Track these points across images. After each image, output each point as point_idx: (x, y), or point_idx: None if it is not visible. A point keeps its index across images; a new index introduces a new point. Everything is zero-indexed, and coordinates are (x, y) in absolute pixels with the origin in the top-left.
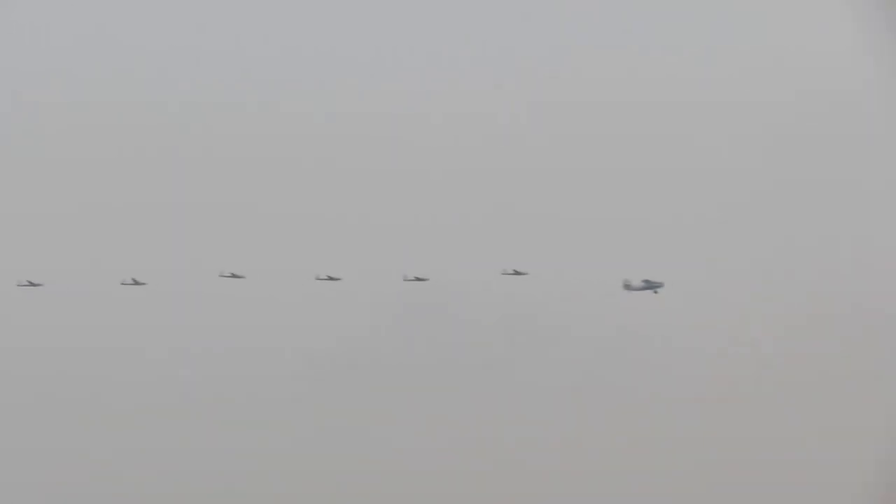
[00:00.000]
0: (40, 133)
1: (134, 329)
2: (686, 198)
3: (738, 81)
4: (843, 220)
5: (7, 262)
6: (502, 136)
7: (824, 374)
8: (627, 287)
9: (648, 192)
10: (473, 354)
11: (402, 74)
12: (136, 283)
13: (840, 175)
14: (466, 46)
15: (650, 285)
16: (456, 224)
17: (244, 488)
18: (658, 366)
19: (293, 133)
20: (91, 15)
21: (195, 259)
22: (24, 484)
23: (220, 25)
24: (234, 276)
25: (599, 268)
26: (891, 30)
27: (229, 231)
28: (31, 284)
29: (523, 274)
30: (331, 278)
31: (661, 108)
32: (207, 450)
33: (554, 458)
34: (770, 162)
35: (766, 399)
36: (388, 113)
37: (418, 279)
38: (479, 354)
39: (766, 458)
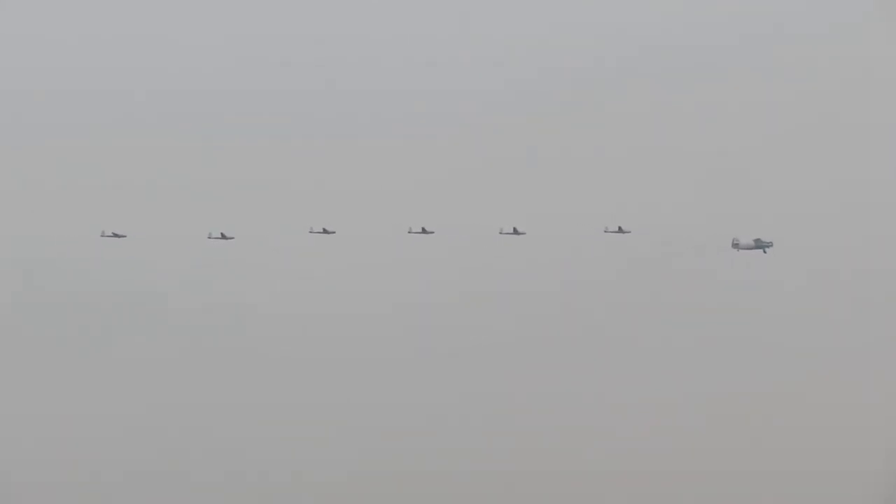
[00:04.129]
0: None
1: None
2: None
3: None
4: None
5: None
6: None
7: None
8: (736, 246)
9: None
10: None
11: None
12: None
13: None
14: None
15: (760, 244)
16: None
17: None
18: (658, 364)
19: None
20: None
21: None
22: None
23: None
24: (325, 231)
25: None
26: None
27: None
28: (116, 236)
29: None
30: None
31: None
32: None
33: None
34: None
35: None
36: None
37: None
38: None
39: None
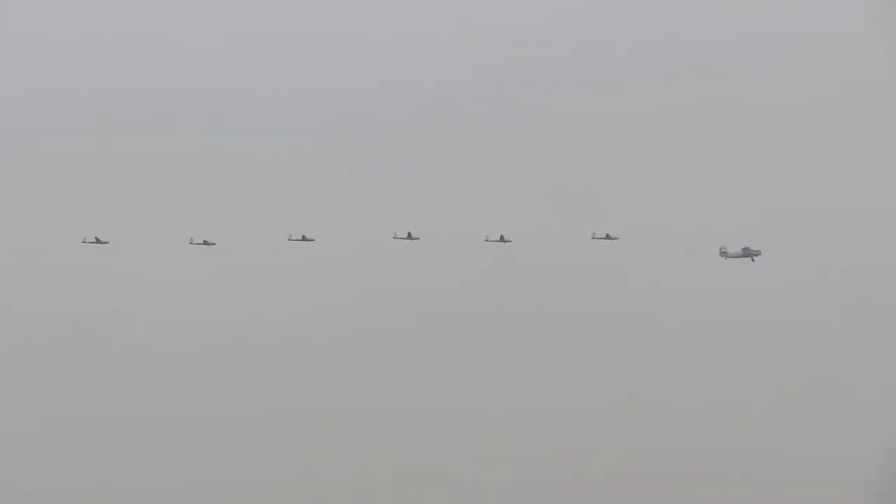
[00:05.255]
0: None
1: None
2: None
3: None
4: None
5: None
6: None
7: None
8: (724, 254)
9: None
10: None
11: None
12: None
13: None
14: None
15: (748, 253)
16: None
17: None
18: (656, 364)
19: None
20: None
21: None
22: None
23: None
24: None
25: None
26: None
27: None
28: (98, 242)
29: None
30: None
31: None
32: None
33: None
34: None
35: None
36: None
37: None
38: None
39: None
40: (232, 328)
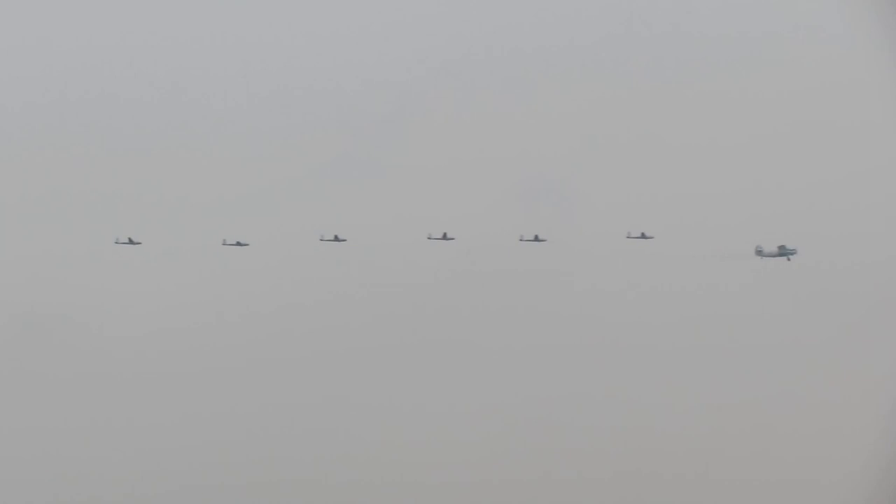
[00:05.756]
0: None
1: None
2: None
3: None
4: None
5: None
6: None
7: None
8: (759, 253)
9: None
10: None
11: None
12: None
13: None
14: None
15: (783, 252)
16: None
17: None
18: (656, 362)
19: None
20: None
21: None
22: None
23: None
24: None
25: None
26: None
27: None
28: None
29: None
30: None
31: None
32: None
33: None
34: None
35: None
36: None
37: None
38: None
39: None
40: (200, 329)
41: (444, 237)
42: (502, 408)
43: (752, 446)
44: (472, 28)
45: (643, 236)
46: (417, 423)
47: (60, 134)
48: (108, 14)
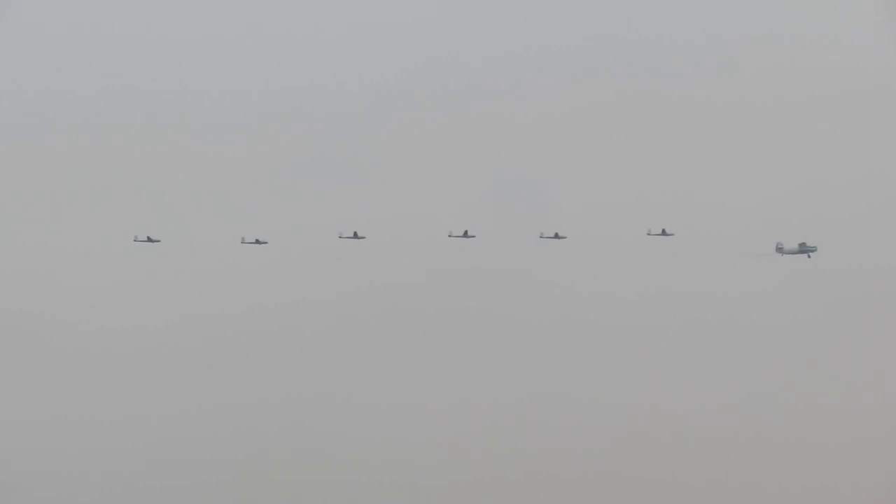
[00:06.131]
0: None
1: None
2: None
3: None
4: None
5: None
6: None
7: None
8: (780, 250)
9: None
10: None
11: None
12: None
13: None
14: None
15: (804, 249)
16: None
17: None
18: (658, 362)
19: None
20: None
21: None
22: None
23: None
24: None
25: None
26: None
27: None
28: (150, 240)
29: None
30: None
31: None
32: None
33: None
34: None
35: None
36: None
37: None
38: None
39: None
40: (171, 328)
41: (466, 235)
42: (512, 407)
43: (770, 448)
44: (471, 27)
45: (664, 233)
46: (416, 422)
47: (70, 129)
48: (123, 11)
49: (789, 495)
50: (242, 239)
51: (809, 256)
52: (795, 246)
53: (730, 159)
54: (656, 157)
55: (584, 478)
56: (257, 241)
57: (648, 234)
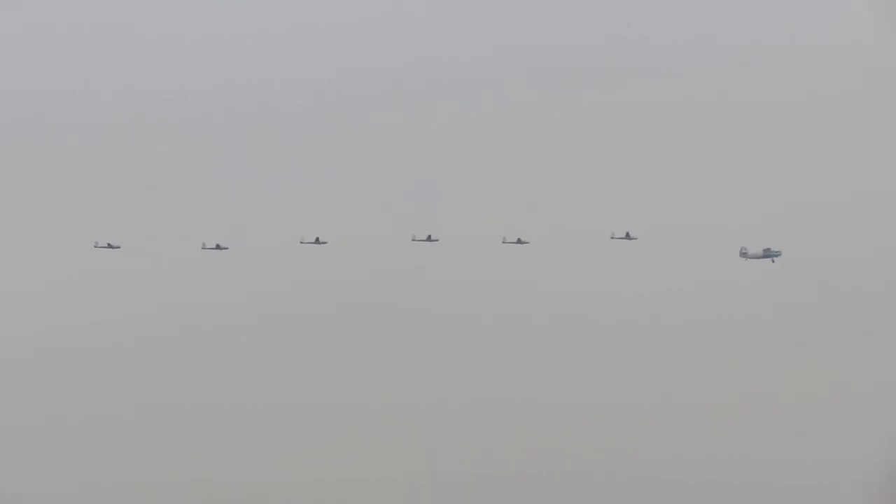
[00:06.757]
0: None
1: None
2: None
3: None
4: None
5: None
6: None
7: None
8: (744, 255)
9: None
10: None
11: None
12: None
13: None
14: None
15: (768, 254)
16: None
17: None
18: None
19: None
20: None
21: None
22: None
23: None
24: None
25: None
26: None
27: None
28: (110, 247)
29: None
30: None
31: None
32: None
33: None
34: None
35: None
36: None
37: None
38: None
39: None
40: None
41: (429, 239)
42: (485, 409)
43: (738, 449)
44: (471, 27)
45: (627, 237)
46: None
47: None
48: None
49: (772, 491)
50: (203, 244)
51: (773, 261)
52: (760, 251)
53: (701, 161)
54: (623, 159)
55: (545, 477)
56: (217, 247)
57: (612, 238)
